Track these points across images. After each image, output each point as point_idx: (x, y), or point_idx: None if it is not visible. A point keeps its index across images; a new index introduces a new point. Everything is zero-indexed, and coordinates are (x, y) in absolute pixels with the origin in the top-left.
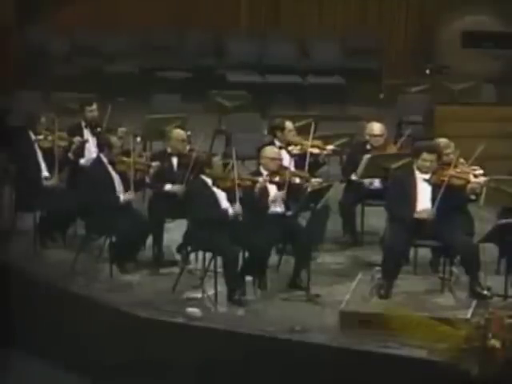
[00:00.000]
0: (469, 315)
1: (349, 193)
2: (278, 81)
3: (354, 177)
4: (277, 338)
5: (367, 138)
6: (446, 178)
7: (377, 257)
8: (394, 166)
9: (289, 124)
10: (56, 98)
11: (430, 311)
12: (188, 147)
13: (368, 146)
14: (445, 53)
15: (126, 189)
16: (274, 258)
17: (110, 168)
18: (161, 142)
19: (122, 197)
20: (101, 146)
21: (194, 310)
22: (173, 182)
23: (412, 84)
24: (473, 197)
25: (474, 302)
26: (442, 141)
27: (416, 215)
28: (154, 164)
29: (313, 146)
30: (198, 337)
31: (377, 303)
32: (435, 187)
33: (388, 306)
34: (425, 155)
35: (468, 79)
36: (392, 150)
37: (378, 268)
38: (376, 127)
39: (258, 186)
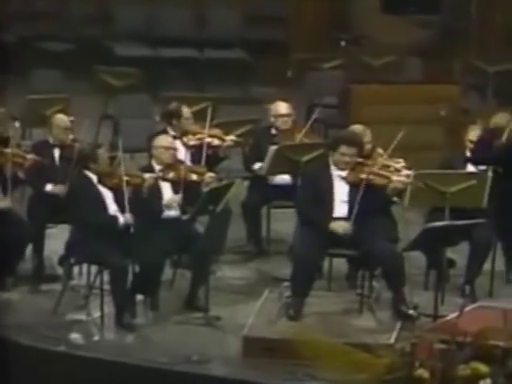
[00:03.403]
0: (392, 340)
1: (253, 192)
2: (171, 55)
3: (256, 166)
4: (171, 371)
5: (272, 120)
6: (364, 176)
7: (285, 270)
8: (306, 158)
9: (186, 111)
10: None
11: (346, 335)
12: (71, 137)
13: (273, 131)
14: (362, 21)
15: (2, 189)
16: (167, 272)
17: None
18: (42, 128)
19: None
20: None
21: (75, 336)
22: (55, 179)
23: (324, 59)
24: (395, 198)
25: (399, 324)
26: (357, 127)
27: (331, 228)
28: (30, 157)
29: (211, 137)
30: (81, 368)
31: (285, 326)
32: (352, 187)
33: (298, 330)
34: (343, 149)
35: (390, 52)
36: (301, 134)
37: (286, 284)
38: (282, 106)
39: (148, 183)
